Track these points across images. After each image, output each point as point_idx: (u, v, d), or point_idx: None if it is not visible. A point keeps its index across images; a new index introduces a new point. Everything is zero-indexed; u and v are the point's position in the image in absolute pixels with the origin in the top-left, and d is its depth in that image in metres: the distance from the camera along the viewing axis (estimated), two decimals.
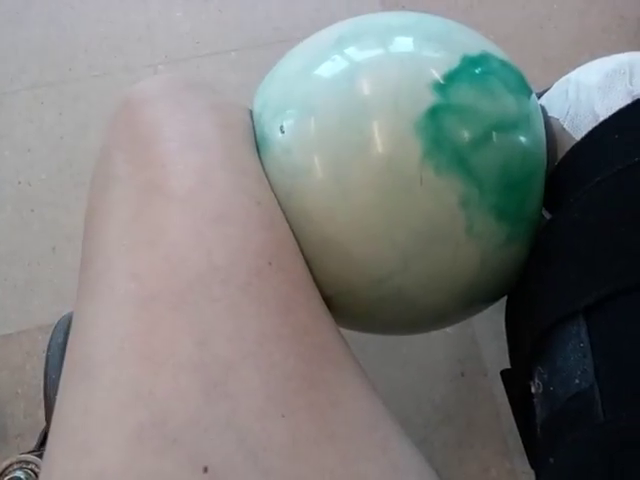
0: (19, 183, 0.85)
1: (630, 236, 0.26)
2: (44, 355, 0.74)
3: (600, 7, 0.94)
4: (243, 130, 0.34)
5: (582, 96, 0.35)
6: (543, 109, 0.37)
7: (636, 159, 0.27)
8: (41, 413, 0.73)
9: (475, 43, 0.33)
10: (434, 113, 0.29)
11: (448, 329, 0.72)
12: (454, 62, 0.30)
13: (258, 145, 0.33)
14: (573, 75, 0.39)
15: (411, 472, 0.25)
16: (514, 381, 0.32)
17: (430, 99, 0.29)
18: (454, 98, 0.29)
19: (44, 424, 0.68)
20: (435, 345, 0.73)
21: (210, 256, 0.25)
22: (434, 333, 0.74)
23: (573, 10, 0.94)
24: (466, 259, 0.31)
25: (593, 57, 0.95)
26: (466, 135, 0.29)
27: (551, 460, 0.25)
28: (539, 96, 0.41)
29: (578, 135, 0.34)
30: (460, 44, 0.32)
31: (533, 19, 0.94)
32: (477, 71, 0.30)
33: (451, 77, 0.30)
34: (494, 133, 0.30)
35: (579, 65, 0.92)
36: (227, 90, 0.90)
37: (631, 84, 0.32)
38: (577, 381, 0.25)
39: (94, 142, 0.87)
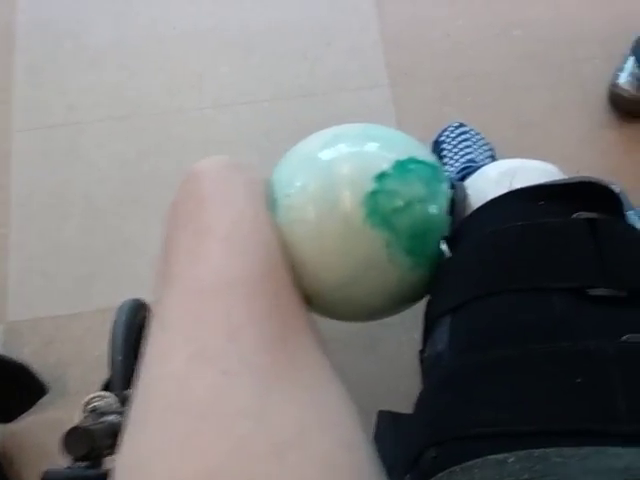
0: (88, 195, 1.07)
1: (475, 271, 0.45)
2: (101, 331, 0.95)
3: (569, 83, 1.13)
4: (262, 194, 0.53)
5: (484, 185, 0.55)
6: (462, 187, 0.57)
7: (491, 229, 0.47)
8: (95, 376, 0.93)
9: (407, 149, 0.53)
10: (373, 194, 0.49)
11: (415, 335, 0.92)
12: (389, 163, 0.50)
13: (270, 204, 0.53)
14: (493, 168, 0.58)
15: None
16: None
17: (372, 185, 0.49)
18: (385, 186, 0.49)
19: (97, 385, 0.88)
20: (404, 348, 0.93)
21: (234, 271, 0.44)
22: (404, 339, 0.94)
23: (547, 83, 1.14)
24: (389, 278, 0.51)
25: (562, 124, 1.15)
26: (390, 207, 0.49)
27: (423, 385, 0.44)
28: None
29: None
30: (397, 150, 0.52)
31: (512, 89, 1.14)
32: (402, 170, 0.50)
33: (385, 174, 0.50)
34: (408, 206, 0.50)
35: (547, 130, 1.12)
36: (257, 133, 1.11)
37: (511, 184, 0.52)
38: (439, 346, 0.45)
39: (151, 166, 1.09)
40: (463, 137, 1.01)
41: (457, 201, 0.55)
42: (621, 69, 1.06)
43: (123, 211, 1.05)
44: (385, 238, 0.49)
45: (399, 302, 0.56)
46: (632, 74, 1.03)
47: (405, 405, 0.91)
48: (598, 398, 0.35)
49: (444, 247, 0.53)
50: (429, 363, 0.46)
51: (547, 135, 1.11)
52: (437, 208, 0.53)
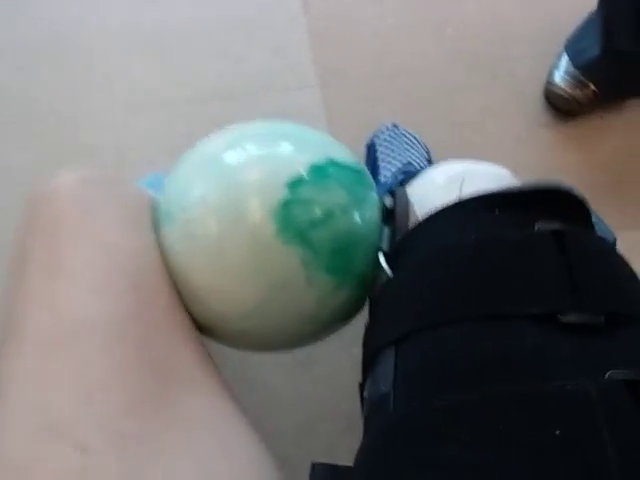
0: None
1: (422, 294, 0.38)
2: None
3: (503, 82, 1.10)
4: (135, 211, 0.44)
5: (430, 191, 0.48)
6: (404, 193, 0.49)
7: (442, 243, 0.40)
8: None
9: (325, 150, 0.45)
10: (285, 204, 0.41)
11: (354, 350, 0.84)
12: (304, 167, 0.43)
13: (162, 219, 0.44)
14: (437, 172, 0.51)
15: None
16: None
17: (284, 194, 0.42)
18: (300, 194, 0.42)
19: None
20: (343, 365, 0.85)
21: (90, 314, 0.36)
22: (343, 356, 0.86)
23: (481, 82, 1.10)
24: (307, 302, 0.44)
25: (497, 124, 1.11)
26: (306, 218, 0.42)
27: (365, 438, 0.36)
28: None
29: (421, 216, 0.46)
30: (313, 152, 0.44)
31: (446, 88, 1.09)
32: (319, 175, 0.43)
33: (299, 180, 0.42)
34: (327, 217, 0.42)
35: (482, 130, 1.08)
36: (175, 138, 1.01)
37: (460, 191, 0.45)
38: (382, 387, 0.37)
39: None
40: (399, 138, 0.95)
41: (398, 209, 0.48)
42: (556, 67, 1.03)
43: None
44: (301, 256, 0.42)
45: (321, 329, 0.48)
46: (567, 72, 1.00)
47: (344, 431, 0.83)
48: (584, 455, 0.28)
49: (382, 262, 0.45)
50: (371, 406, 0.38)
51: (483, 135, 1.06)
52: (364, 218, 0.46)
